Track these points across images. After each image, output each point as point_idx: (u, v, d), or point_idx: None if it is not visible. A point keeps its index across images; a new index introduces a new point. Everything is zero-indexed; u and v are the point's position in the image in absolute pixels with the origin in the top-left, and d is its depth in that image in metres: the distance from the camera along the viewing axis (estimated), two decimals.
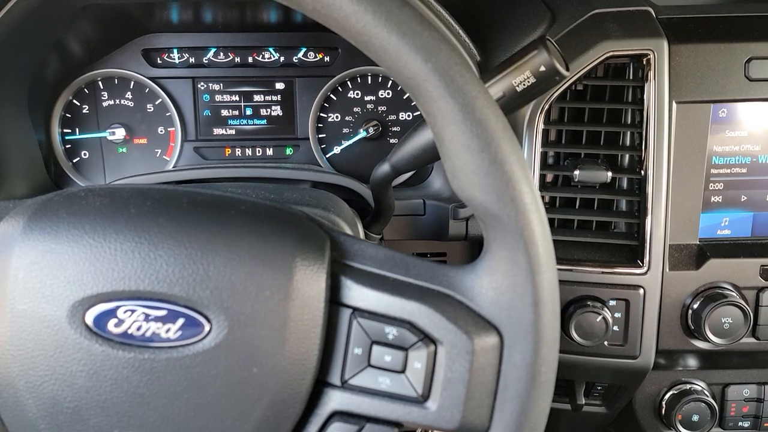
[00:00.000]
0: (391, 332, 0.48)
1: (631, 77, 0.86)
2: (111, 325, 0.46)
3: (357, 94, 1.08)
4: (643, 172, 0.84)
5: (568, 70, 0.61)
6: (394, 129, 1.09)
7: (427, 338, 0.48)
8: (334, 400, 0.49)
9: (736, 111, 0.85)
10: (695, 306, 0.85)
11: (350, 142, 1.09)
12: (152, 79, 1.04)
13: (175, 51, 1.05)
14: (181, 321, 0.46)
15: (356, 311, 0.49)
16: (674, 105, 0.83)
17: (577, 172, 0.84)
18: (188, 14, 0.99)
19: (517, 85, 0.61)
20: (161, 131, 1.07)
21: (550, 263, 0.46)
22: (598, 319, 0.82)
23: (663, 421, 0.94)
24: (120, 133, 1.04)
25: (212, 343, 0.47)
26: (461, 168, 0.45)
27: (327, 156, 1.09)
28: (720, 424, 0.94)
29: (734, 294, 0.84)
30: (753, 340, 0.87)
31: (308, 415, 0.50)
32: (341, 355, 0.49)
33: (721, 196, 0.87)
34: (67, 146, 1.05)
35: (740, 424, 0.94)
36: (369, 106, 1.08)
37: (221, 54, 1.05)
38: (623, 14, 0.86)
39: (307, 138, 1.08)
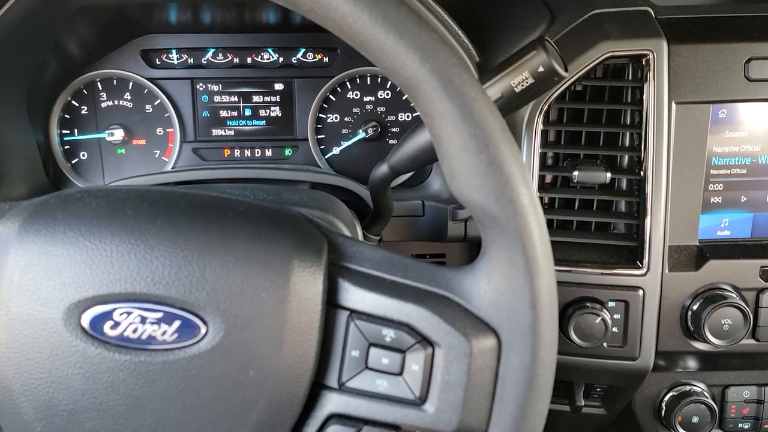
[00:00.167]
0: (389, 334, 0.48)
1: (630, 78, 0.86)
2: (107, 327, 0.46)
3: (356, 94, 1.08)
4: (642, 173, 0.83)
5: (566, 70, 0.61)
6: (393, 130, 1.09)
7: (424, 340, 0.48)
8: (332, 402, 0.49)
9: (736, 111, 0.85)
10: (695, 307, 0.85)
11: (349, 142, 1.09)
12: (151, 79, 1.04)
13: (174, 52, 1.05)
14: (177, 323, 0.46)
15: (354, 313, 0.49)
16: (674, 105, 0.83)
17: (576, 173, 0.84)
18: (187, 15, 0.99)
19: (516, 86, 0.61)
20: (160, 132, 1.06)
21: (548, 265, 0.46)
22: (597, 321, 0.82)
23: (663, 422, 0.94)
24: (119, 134, 1.04)
25: (209, 346, 0.46)
26: (459, 169, 0.45)
27: (326, 157, 1.09)
28: (720, 425, 0.94)
29: (734, 295, 0.84)
30: (753, 341, 0.87)
31: (305, 418, 0.49)
32: (338, 358, 0.49)
33: (720, 197, 0.87)
34: (66, 147, 1.05)
35: (740, 425, 0.94)
36: (368, 106, 1.08)
37: (220, 55, 1.05)
38: (622, 14, 0.86)
39: (306, 139, 1.08)
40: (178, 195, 0.51)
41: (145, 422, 0.47)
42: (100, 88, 1.04)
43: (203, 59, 1.05)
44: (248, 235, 0.48)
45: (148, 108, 1.06)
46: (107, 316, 0.46)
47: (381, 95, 1.08)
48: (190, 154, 1.07)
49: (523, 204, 0.44)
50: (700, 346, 0.87)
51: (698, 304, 0.84)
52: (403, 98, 1.08)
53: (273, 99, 1.07)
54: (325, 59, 1.07)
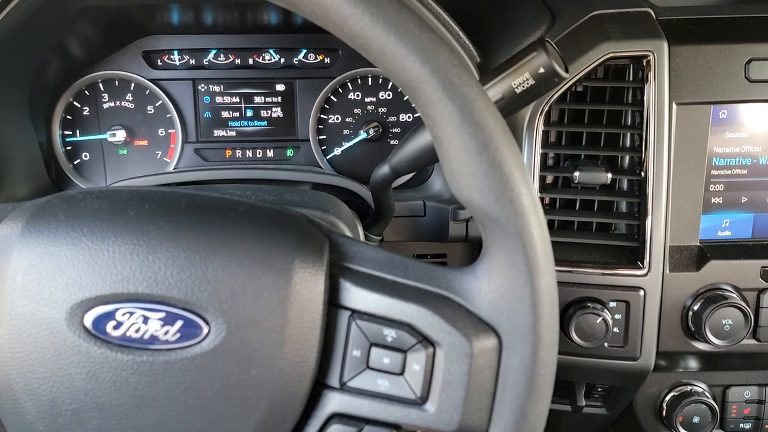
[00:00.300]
0: (390, 334, 0.48)
1: (631, 78, 0.86)
2: (110, 327, 0.46)
3: (357, 95, 1.08)
4: (643, 174, 0.83)
5: (567, 71, 0.61)
6: (395, 130, 1.09)
7: (425, 340, 0.48)
8: (333, 402, 0.49)
9: (737, 112, 0.85)
10: (696, 307, 0.85)
11: (351, 143, 1.09)
12: (153, 80, 1.04)
13: (176, 53, 1.05)
14: (179, 323, 0.46)
15: (355, 313, 0.49)
16: (674, 106, 0.83)
17: (577, 174, 0.84)
18: (188, 16, 0.99)
19: (516, 87, 0.61)
20: (162, 133, 1.07)
21: (548, 265, 0.46)
22: (598, 321, 0.82)
23: (664, 422, 0.94)
24: (120, 134, 1.04)
25: (211, 346, 0.47)
26: (459, 170, 0.45)
27: (327, 157, 1.09)
28: (721, 425, 0.94)
29: (735, 295, 0.84)
30: (754, 341, 0.87)
31: (307, 418, 0.50)
32: (340, 357, 0.49)
33: (721, 198, 0.87)
34: (68, 148, 1.06)
35: (741, 425, 0.94)
36: (369, 107, 1.08)
37: (221, 56, 1.06)
38: (623, 15, 0.86)
39: (307, 139, 1.08)
40: (180, 196, 0.51)
41: (148, 422, 0.47)
42: (102, 89, 1.05)
43: (205, 60, 1.05)
44: (250, 236, 0.48)
45: (150, 109, 1.06)
46: (110, 316, 0.46)
47: (382, 96, 1.08)
48: (191, 155, 1.08)
49: (523, 205, 0.44)
50: (701, 346, 0.87)
51: (699, 304, 0.84)
52: (405, 99, 1.08)
53: (274, 100, 1.08)
54: (327, 60, 1.07)
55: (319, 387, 0.49)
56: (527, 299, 0.46)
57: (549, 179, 0.90)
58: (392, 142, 1.09)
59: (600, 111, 0.88)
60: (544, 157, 0.87)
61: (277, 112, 1.08)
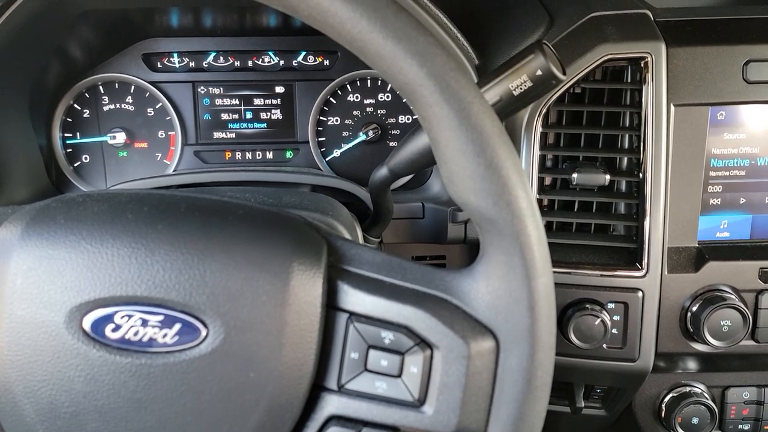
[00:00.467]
0: (388, 337, 0.48)
1: (629, 80, 0.86)
2: (108, 330, 0.47)
3: (356, 97, 1.08)
4: (641, 175, 0.84)
5: (564, 73, 0.61)
6: (394, 132, 1.09)
7: (423, 342, 0.48)
8: (331, 404, 0.49)
9: (735, 113, 0.85)
10: (694, 309, 0.85)
11: (350, 145, 1.09)
12: (152, 83, 1.05)
13: (175, 55, 1.05)
14: (178, 326, 0.47)
15: (353, 316, 0.49)
16: (672, 107, 0.83)
17: (575, 175, 0.84)
18: (188, 19, 0.99)
19: (514, 89, 0.61)
20: (162, 135, 1.07)
21: (545, 268, 0.46)
22: (596, 322, 0.82)
23: (663, 423, 0.94)
24: (121, 137, 1.04)
25: (209, 348, 0.47)
26: (457, 173, 0.45)
27: (327, 159, 1.10)
28: (720, 426, 0.94)
29: (733, 297, 0.84)
30: (752, 342, 0.87)
31: (305, 420, 0.50)
32: (338, 360, 0.49)
33: (719, 199, 0.87)
34: (68, 150, 1.06)
35: (740, 426, 0.94)
36: (368, 109, 1.08)
37: (221, 58, 1.06)
38: (621, 17, 0.86)
39: (306, 141, 1.09)
40: (178, 199, 0.51)
41: (146, 424, 0.48)
42: (102, 91, 1.05)
43: (204, 62, 1.06)
44: (248, 239, 0.49)
45: (150, 111, 1.06)
46: (109, 319, 0.47)
47: (381, 98, 1.08)
48: (191, 157, 1.08)
49: (520, 207, 0.44)
50: (699, 347, 0.87)
51: (697, 305, 0.85)
52: (404, 101, 1.08)
53: (274, 102, 1.08)
54: (326, 62, 1.07)
55: (317, 389, 0.50)
56: (524, 301, 0.46)
57: (547, 181, 0.90)
58: (391, 143, 1.09)
59: (598, 112, 0.88)
60: (542, 159, 0.87)
61: (277, 114, 1.08)
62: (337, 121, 1.09)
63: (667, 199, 0.84)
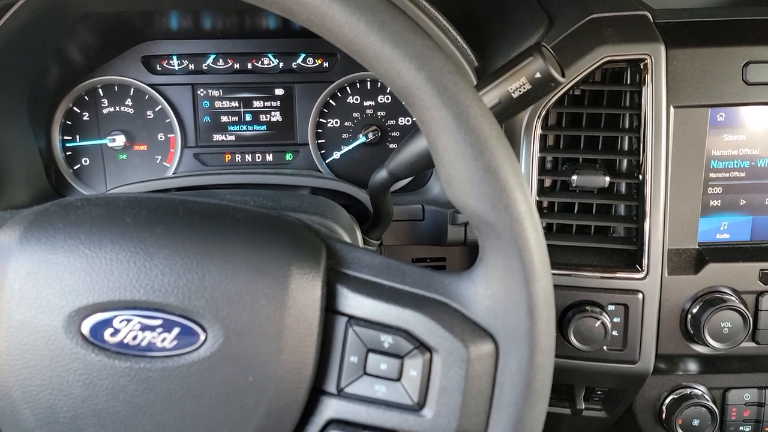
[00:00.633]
0: (387, 340, 0.48)
1: (628, 82, 0.86)
2: (107, 334, 0.46)
3: (356, 99, 1.08)
4: (641, 177, 0.83)
5: (563, 76, 0.61)
6: (394, 134, 1.09)
7: (422, 346, 0.48)
8: (331, 408, 0.49)
9: (735, 115, 0.85)
10: (694, 310, 0.85)
11: (350, 147, 1.09)
12: (152, 85, 1.05)
13: (175, 58, 1.05)
14: (176, 330, 0.47)
15: (352, 319, 0.49)
16: (672, 109, 0.83)
17: (575, 177, 0.84)
18: (187, 21, 0.99)
19: (513, 92, 0.61)
20: (161, 138, 1.07)
21: (544, 271, 0.46)
22: (597, 324, 0.82)
23: (664, 425, 0.94)
24: (120, 139, 1.04)
25: (208, 353, 0.47)
26: (455, 176, 0.45)
27: (326, 161, 1.10)
28: (721, 428, 0.94)
29: (733, 298, 0.84)
30: (753, 344, 0.87)
31: (304, 424, 0.50)
32: (337, 364, 0.49)
33: (719, 200, 0.87)
34: (68, 153, 1.06)
35: (741, 428, 0.94)
36: (368, 111, 1.08)
37: (220, 60, 1.06)
38: (620, 19, 0.86)
39: (306, 143, 1.09)
40: (176, 202, 0.51)
41: (145, 428, 0.47)
42: (102, 94, 1.05)
43: (204, 65, 1.06)
44: (247, 243, 0.49)
45: (150, 114, 1.06)
46: (107, 323, 0.46)
47: (381, 100, 1.08)
48: (191, 160, 1.08)
49: (519, 210, 0.44)
50: (700, 349, 0.87)
51: (698, 307, 0.84)
52: (403, 103, 1.08)
53: (273, 104, 1.08)
54: (325, 64, 1.07)
55: (316, 393, 0.50)
56: (523, 305, 0.46)
57: (547, 183, 0.90)
58: (391, 146, 1.09)
59: (598, 114, 0.88)
60: (542, 161, 0.87)
61: (276, 117, 1.08)
62: (336, 123, 1.09)
63: (667, 200, 0.84)
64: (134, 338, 0.47)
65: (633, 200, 0.85)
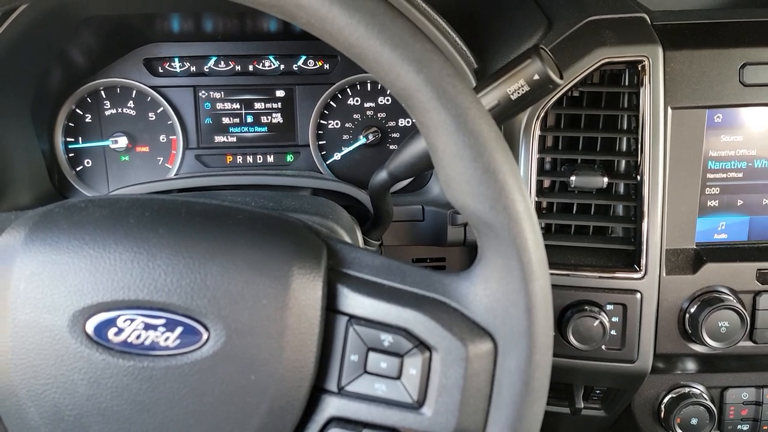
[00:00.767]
0: (387, 339, 0.49)
1: (626, 83, 0.87)
2: (111, 334, 0.47)
3: (356, 101, 1.09)
4: (639, 177, 0.84)
5: (561, 78, 0.62)
6: (394, 135, 1.10)
7: (422, 345, 0.49)
8: (332, 406, 0.50)
9: (732, 116, 0.85)
10: (692, 310, 0.85)
11: (350, 148, 1.10)
12: (154, 87, 1.05)
13: (177, 60, 1.06)
14: (179, 329, 0.47)
15: (352, 318, 0.50)
16: (669, 110, 0.84)
17: (573, 178, 0.85)
18: (189, 24, 1.00)
19: (512, 94, 0.62)
20: (163, 139, 1.08)
21: (542, 270, 0.46)
22: (595, 324, 0.83)
23: (662, 424, 0.95)
24: (122, 141, 1.05)
25: (210, 351, 0.47)
26: (454, 177, 0.45)
27: (327, 162, 1.10)
28: (719, 427, 0.95)
29: (731, 298, 0.85)
30: (750, 343, 0.87)
31: (306, 422, 0.50)
32: (338, 362, 0.50)
33: (717, 201, 0.88)
34: (71, 155, 1.07)
35: (739, 427, 0.94)
36: (368, 112, 1.09)
37: (222, 62, 1.07)
38: (618, 21, 0.86)
39: (307, 145, 1.09)
40: (179, 203, 0.52)
41: (149, 427, 0.48)
42: (104, 96, 1.06)
43: (205, 67, 1.06)
44: (248, 243, 0.49)
45: (152, 116, 1.07)
46: (111, 322, 0.47)
47: (381, 101, 1.09)
48: (193, 161, 1.09)
49: (517, 211, 0.45)
50: (698, 348, 0.88)
51: (695, 306, 0.85)
52: (403, 105, 1.08)
53: (274, 106, 1.08)
54: (326, 66, 1.08)
55: (317, 391, 0.50)
56: (522, 304, 0.46)
57: (546, 183, 0.91)
58: (391, 147, 1.10)
59: (596, 115, 0.89)
60: (541, 162, 0.88)
61: (277, 118, 1.09)
62: (337, 124, 1.09)
63: (665, 201, 0.85)
64: (138, 337, 0.47)
65: (631, 201, 0.86)
